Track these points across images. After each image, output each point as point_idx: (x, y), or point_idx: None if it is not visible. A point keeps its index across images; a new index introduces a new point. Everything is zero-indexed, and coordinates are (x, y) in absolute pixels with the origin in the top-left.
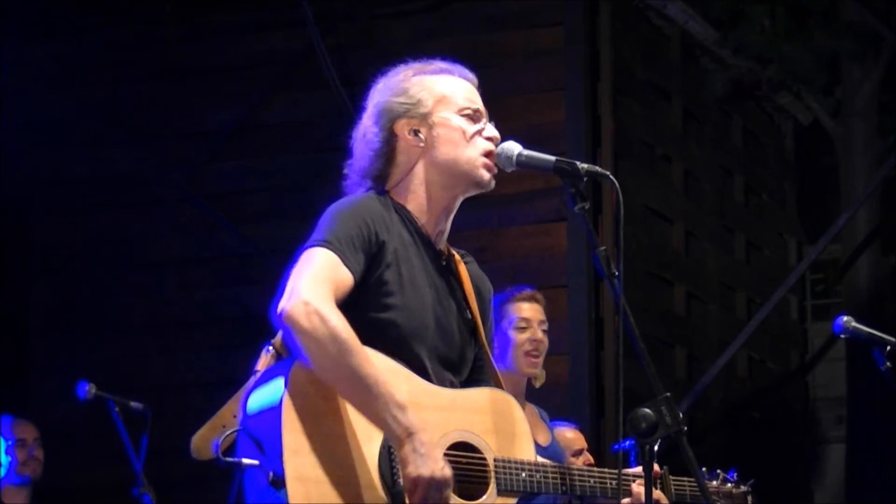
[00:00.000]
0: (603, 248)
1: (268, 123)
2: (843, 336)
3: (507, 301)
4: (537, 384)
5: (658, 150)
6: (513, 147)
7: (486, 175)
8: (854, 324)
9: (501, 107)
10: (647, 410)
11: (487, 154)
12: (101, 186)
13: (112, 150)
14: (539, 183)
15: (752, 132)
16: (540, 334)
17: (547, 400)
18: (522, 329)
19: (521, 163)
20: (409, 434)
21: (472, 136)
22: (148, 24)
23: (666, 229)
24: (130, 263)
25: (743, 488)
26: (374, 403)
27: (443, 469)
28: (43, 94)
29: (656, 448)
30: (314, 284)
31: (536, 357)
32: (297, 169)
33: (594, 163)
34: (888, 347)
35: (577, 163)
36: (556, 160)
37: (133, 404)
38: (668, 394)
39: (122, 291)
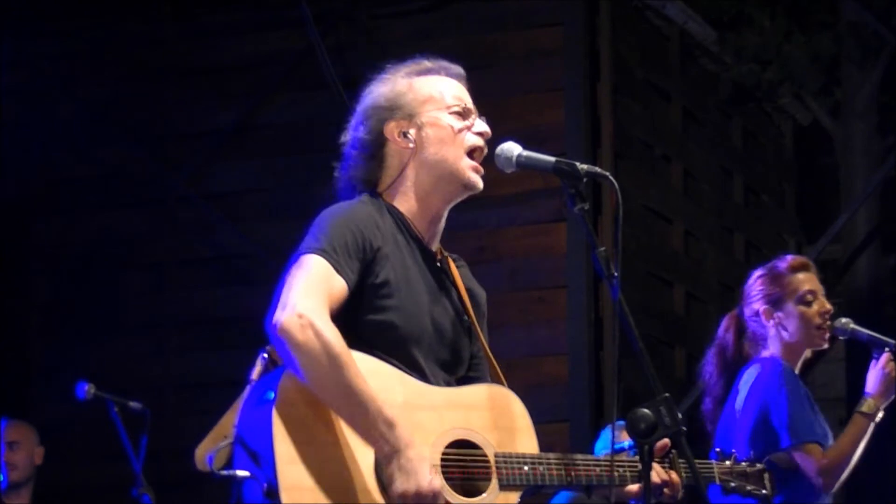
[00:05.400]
0: (602, 248)
1: (268, 123)
2: (841, 337)
3: (781, 274)
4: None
5: (658, 150)
6: (512, 148)
7: (474, 177)
8: (853, 325)
9: (501, 107)
10: (646, 411)
11: (474, 150)
12: (101, 186)
13: (112, 150)
14: (538, 183)
15: (752, 132)
16: (828, 304)
17: (546, 400)
18: (809, 303)
19: (521, 163)
20: (396, 451)
21: (461, 132)
22: (148, 24)
23: (665, 229)
24: (130, 263)
25: (758, 466)
26: (363, 419)
27: (430, 482)
28: (42, 94)
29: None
30: (308, 295)
31: (827, 329)
32: (297, 169)
33: (594, 163)
34: (887, 348)
35: (577, 163)
36: (556, 161)
37: (132, 404)
38: (668, 394)
39: (122, 291)
